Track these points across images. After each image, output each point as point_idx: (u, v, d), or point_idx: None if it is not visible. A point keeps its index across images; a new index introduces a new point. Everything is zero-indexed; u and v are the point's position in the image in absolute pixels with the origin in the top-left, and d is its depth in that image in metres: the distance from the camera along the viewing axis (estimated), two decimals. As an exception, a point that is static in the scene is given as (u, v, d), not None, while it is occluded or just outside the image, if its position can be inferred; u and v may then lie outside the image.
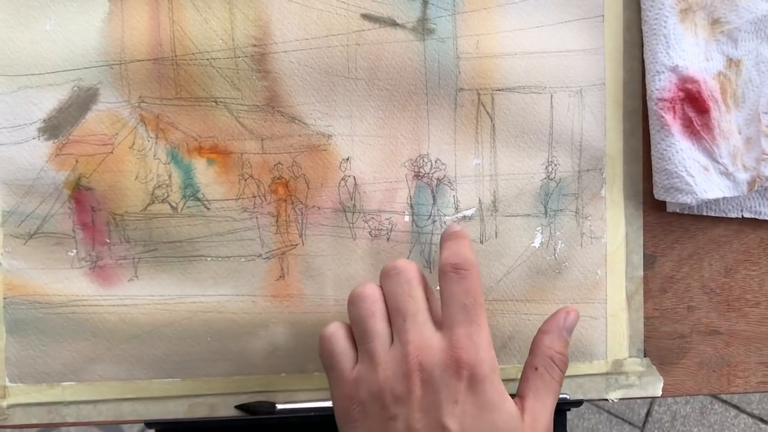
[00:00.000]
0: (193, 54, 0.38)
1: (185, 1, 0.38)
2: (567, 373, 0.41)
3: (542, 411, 0.34)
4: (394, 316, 0.34)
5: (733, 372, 0.43)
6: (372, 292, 0.35)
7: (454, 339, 0.33)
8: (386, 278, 0.35)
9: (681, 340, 0.42)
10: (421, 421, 0.32)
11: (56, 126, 0.38)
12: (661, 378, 0.42)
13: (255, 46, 0.39)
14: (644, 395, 0.42)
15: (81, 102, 0.38)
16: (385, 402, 0.33)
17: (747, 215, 0.42)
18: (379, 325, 0.34)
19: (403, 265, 0.35)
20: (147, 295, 0.39)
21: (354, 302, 0.35)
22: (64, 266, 0.39)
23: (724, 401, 1.12)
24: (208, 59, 0.38)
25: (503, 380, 0.40)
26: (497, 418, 0.32)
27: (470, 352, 0.32)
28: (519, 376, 0.41)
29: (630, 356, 0.42)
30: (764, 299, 0.43)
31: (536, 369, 0.35)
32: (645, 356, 0.42)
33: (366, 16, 0.39)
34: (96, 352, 0.39)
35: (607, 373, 0.42)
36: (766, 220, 0.42)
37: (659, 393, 0.42)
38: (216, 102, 0.39)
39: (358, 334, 0.35)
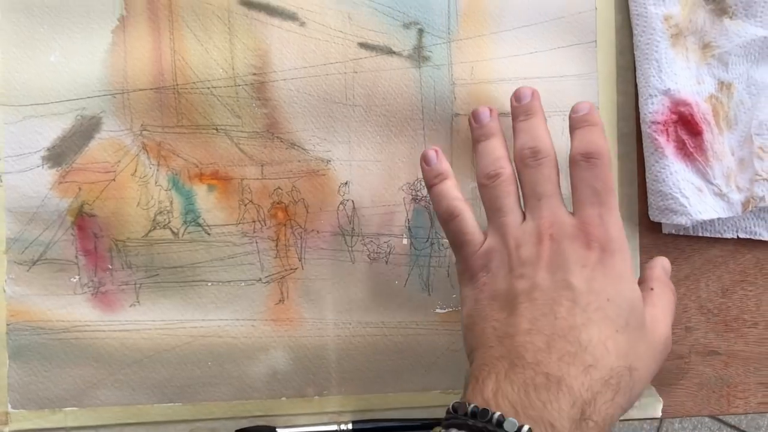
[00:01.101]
0: (194, 83, 0.39)
1: (186, 32, 0.39)
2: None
3: (662, 316, 0.35)
4: (529, 196, 0.36)
5: (733, 393, 0.43)
6: (508, 172, 0.36)
7: (585, 216, 0.34)
8: (524, 165, 0.36)
9: (680, 361, 0.42)
10: (546, 279, 0.33)
11: (60, 154, 0.39)
12: (661, 399, 0.42)
13: (255, 74, 0.39)
14: (644, 417, 0.42)
15: (84, 131, 0.39)
16: (513, 265, 0.34)
17: (742, 236, 0.42)
18: (513, 203, 0.36)
19: (543, 152, 0.36)
20: (148, 320, 0.40)
21: (489, 181, 0.36)
22: (67, 292, 0.39)
23: (732, 426, 1.11)
24: (208, 88, 0.39)
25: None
26: (625, 288, 0.33)
27: (600, 228, 0.34)
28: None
29: (629, 377, 0.42)
30: (762, 319, 0.43)
31: (652, 289, 0.36)
32: (644, 377, 0.42)
33: (363, 45, 0.40)
34: (98, 377, 0.40)
35: (606, 395, 0.42)
36: (761, 241, 0.42)
37: (659, 414, 0.42)
38: (217, 129, 0.40)
39: (491, 210, 0.36)
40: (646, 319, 0.34)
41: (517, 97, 0.38)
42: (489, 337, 0.33)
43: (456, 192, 0.37)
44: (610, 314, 0.32)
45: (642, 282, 0.36)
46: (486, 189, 0.36)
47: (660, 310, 0.35)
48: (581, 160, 0.35)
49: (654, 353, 0.34)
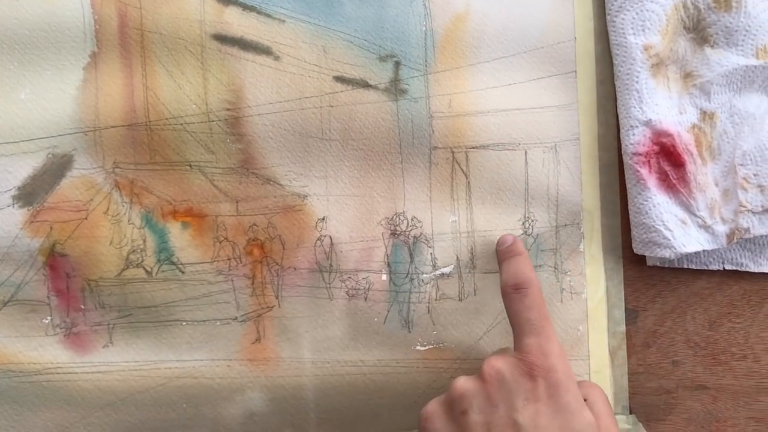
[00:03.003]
0: (166, 119, 0.38)
1: (159, 67, 0.38)
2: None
3: (609, 421, 0.34)
4: None
5: (722, 428, 0.42)
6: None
7: (524, 348, 0.34)
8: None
9: (667, 395, 0.41)
10: (492, 415, 0.32)
11: (31, 193, 0.38)
12: (648, 436, 0.41)
13: (229, 109, 0.39)
14: (631, 454, 0.41)
15: (55, 169, 0.38)
16: (460, 405, 0.33)
17: (729, 267, 0.41)
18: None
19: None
20: (122, 362, 0.39)
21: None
22: (38, 333, 0.38)
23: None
24: (182, 124, 0.39)
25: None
26: (574, 422, 0.32)
27: (541, 358, 0.33)
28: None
29: (615, 413, 0.41)
30: (750, 352, 0.42)
31: (586, 400, 0.34)
32: (631, 413, 0.41)
33: (338, 78, 0.39)
34: (70, 420, 0.39)
35: (592, 432, 0.41)
36: (748, 272, 0.41)
37: (647, 451, 0.41)
38: (190, 166, 0.39)
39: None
40: None
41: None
42: None
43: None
44: None
45: None
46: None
47: (604, 417, 0.34)
48: (512, 292, 0.35)
49: None
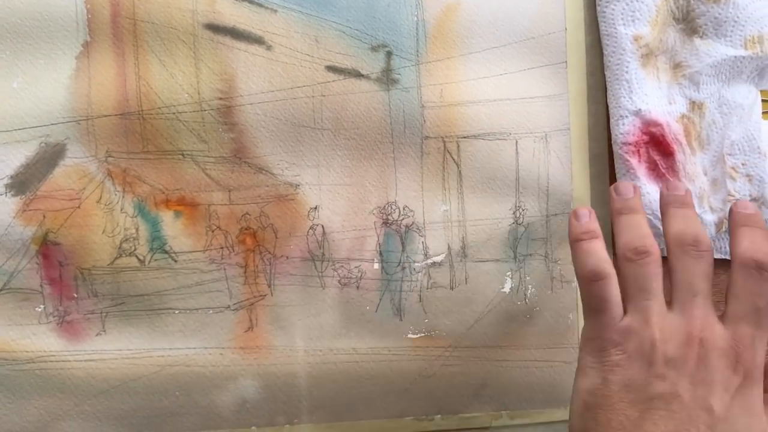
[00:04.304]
0: (159, 108, 0.39)
1: (151, 57, 0.39)
2: (541, 420, 0.41)
3: None
4: (683, 289, 0.33)
5: (711, 415, 0.42)
6: (658, 254, 0.34)
7: (738, 334, 0.32)
8: (684, 252, 0.34)
9: (656, 383, 0.42)
10: (688, 392, 0.31)
11: (23, 182, 0.38)
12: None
13: (221, 99, 0.39)
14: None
15: (48, 158, 0.38)
16: (655, 359, 0.32)
17: (717, 256, 0.42)
18: (659, 288, 0.33)
19: (705, 245, 0.34)
20: (114, 350, 0.39)
21: (637, 257, 0.33)
22: (31, 322, 0.39)
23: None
24: (174, 113, 0.39)
25: (476, 428, 0.40)
26: (754, 423, 0.32)
27: (750, 353, 0.32)
28: (492, 424, 0.40)
29: (605, 401, 0.41)
30: (739, 340, 0.42)
31: None
32: (620, 401, 0.41)
33: (331, 68, 0.39)
34: (63, 408, 0.39)
35: (582, 419, 0.41)
36: (736, 261, 0.42)
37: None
38: (183, 155, 0.39)
39: (635, 289, 0.33)
40: None
41: (669, 187, 0.37)
42: (614, 431, 0.31)
43: (605, 253, 0.34)
44: None
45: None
46: (632, 265, 0.34)
47: None
48: (753, 268, 0.33)
49: None
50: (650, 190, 0.39)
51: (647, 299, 0.33)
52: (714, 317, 0.33)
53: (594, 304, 0.34)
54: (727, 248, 0.42)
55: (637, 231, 0.35)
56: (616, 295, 0.33)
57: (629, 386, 0.32)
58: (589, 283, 0.34)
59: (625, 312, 0.33)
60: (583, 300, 0.34)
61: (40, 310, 0.39)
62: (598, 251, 0.34)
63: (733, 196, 0.39)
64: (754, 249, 0.33)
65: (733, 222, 0.35)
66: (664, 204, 0.36)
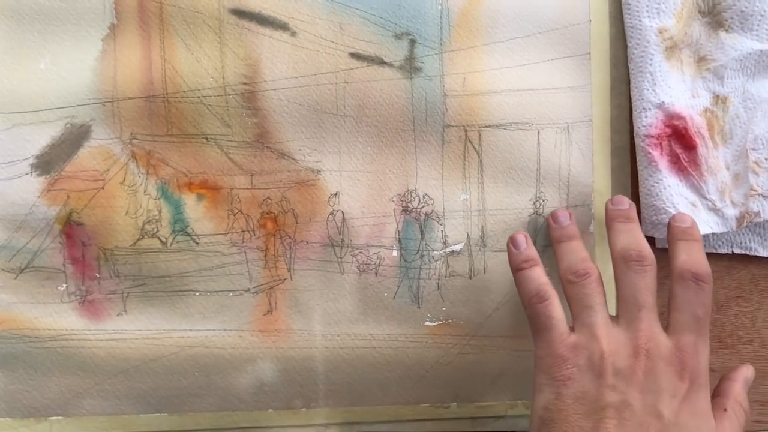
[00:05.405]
0: (184, 92, 0.39)
1: (177, 41, 0.39)
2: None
3: None
4: (627, 302, 0.35)
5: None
6: (597, 274, 0.36)
7: (682, 343, 0.34)
8: (628, 267, 0.35)
9: (672, 377, 0.42)
10: (638, 400, 0.32)
11: (48, 162, 0.39)
12: (653, 416, 0.41)
13: (245, 84, 0.39)
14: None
15: (73, 138, 0.39)
16: (605, 371, 0.33)
17: (737, 251, 0.42)
18: (602, 303, 0.35)
19: (649, 260, 0.35)
20: (135, 330, 0.39)
21: (578, 278, 0.35)
22: (54, 300, 0.39)
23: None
24: (198, 97, 0.39)
25: (492, 417, 0.40)
26: (703, 426, 0.33)
27: (694, 359, 0.33)
28: (508, 413, 0.40)
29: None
30: (757, 336, 0.42)
31: (725, 410, 0.35)
32: (636, 393, 0.41)
33: (354, 55, 0.40)
34: (84, 386, 0.39)
35: (597, 411, 0.41)
36: (757, 256, 0.42)
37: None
38: (206, 138, 0.39)
39: (580, 307, 0.35)
40: None
41: (614, 202, 0.38)
42: None
43: (545, 278, 0.37)
44: None
45: (718, 395, 0.36)
46: (574, 286, 0.36)
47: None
48: (690, 280, 0.34)
49: None
50: (671, 183, 0.39)
51: (591, 316, 0.35)
52: (659, 328, 0.34)
53: (541, 324, 0.35)
54: (747, 243, 0.42)
55: (577, 255, 0.37)
56: (561, 313, 0.35)
57: (582, 398, 0.33)
58: (534, 305, 0.36)
59: (573, 330, 0.35)
60: (530, 323, 0.36)
61: (62, 289, 0.39)
62: (539, 276, 0.37)
63: (756, 190, 0.39)
64: (690, 262, 0.35)
65: (670, 236, 0.37)
66: (609, 219, 0.38)
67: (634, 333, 0.34)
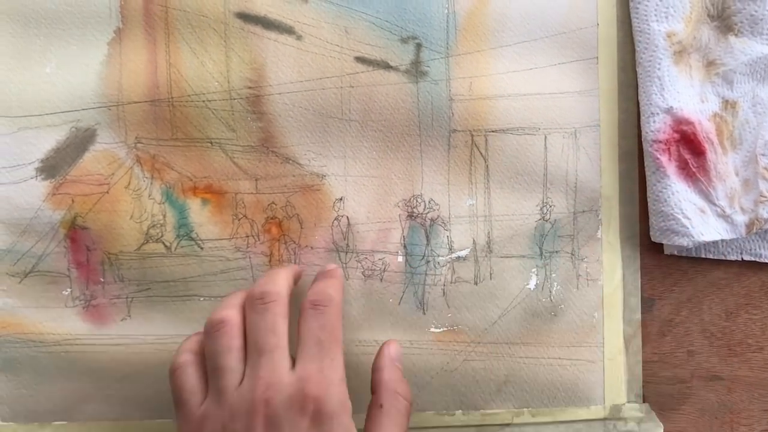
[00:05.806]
0: (189, 96, 0.39)
1: (182, 45, 0.39)
2: (563, 418, 0.40)
3: None
4: (251, 351, 0.33)
5: (737, 419, 0.41)
6: (230, 322, 0.33)
7: (305, 373, 0.32)
8: (252, 307, 0.34)
9: (681, 385, 0.41)
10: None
11: (54, 166, 0.39)
12: (661, 424, 0.41)
13: (250, 88, 0.39)
14: (644, 442, 0.41)
15: (78, 142, 0.39)
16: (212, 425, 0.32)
17: (747, 258, 0.41)
18: (233, 361, 0.33)
19: (273, 295, 0.34)
20: (139, 335, 0.39)
21: (210, 333, 0.33)
22: (58, 305, 0.39)
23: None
24: (203, 101, 0.39)
25: (497, 425, 0.39)
26: None
27: (319, 385, 0.32)
28: (513, 420, 0.40)
29: (628, 401, 0.41)
30: (767, 344, 0.42)
31: (381, 406, 0.34)
32: (644, 401, 0.41)
33: (360, 59, 0.39)
34: (87, 391, 0.39)
35: (605, 419, 0.41)
36: (766, 263, 0.41)
37: (659, 440, 0.41)
38: (211, 143, 0.39)
39: (210, 368, 0.33)
40: None
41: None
42: None
43: (188, 343, 0.35)
44: None
45: (372, 392, 0.35)
46: (208, 341, 0.34)
47: None
48: (309, 307, 0.34)
49: None
50: (680, 189, 0.39)
51: (218, 379, 0.33)
52: (283, 368, 0.32)
53: (174, 397, 0.34)
54: (757, 250, 0.41)
55: (223, 303, 0.35)
56: (192, 384, 0.34)
57: None
58: (169, 378, 0.34)
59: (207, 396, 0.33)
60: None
61: (66, 293, 0.39)
62: (182, 343, 0.35)
63: (765, 197, 0.39)
64: (312, 294, 0.34)
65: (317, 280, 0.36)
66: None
67: (254, 385, 0.32)
